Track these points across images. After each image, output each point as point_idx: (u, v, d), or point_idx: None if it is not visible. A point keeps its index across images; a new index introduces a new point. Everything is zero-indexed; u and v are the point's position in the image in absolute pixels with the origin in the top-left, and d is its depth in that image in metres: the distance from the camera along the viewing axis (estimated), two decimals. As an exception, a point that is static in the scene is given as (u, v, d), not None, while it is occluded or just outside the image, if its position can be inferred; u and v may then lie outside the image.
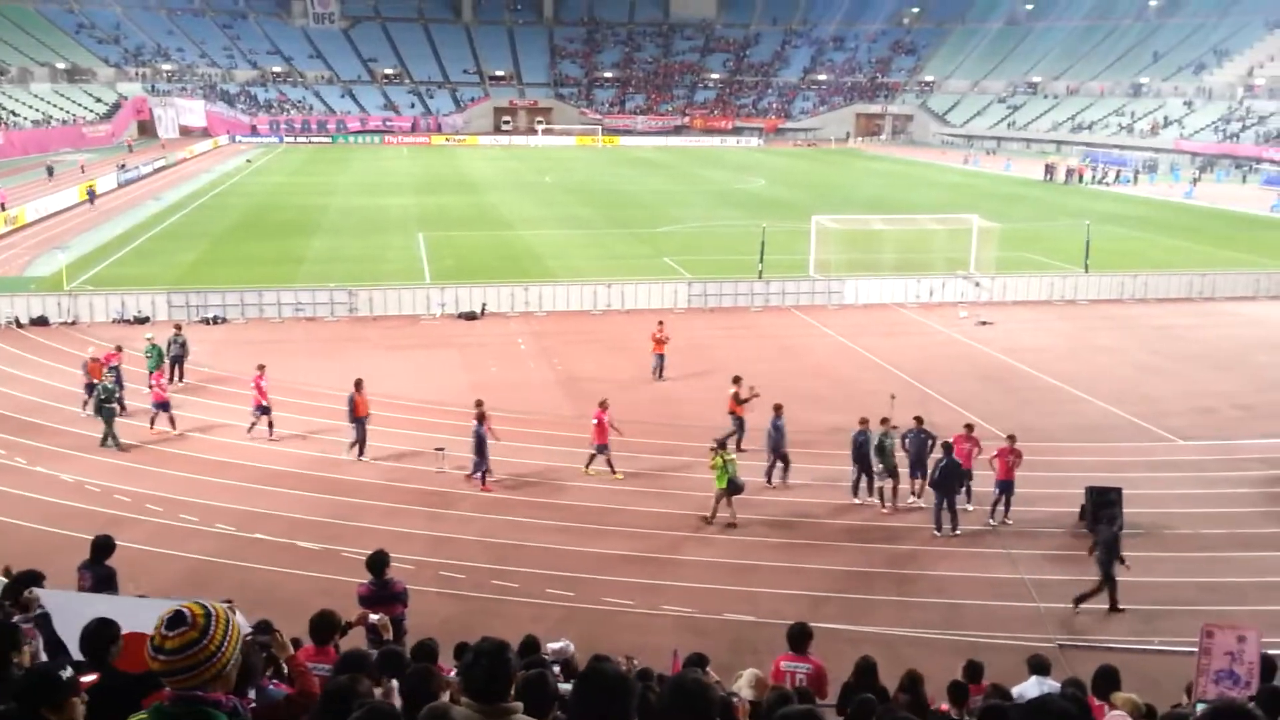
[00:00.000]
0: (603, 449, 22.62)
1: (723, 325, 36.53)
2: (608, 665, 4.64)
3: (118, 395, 24.63)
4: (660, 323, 30.84)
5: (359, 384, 23.61)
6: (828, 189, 77.84)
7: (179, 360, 28.70)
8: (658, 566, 18.69)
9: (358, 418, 23.35)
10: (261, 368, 24.98)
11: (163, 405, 24.95)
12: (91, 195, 66.25)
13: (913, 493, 21.54)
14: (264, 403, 24.57)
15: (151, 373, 27.78)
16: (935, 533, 20.02)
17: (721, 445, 20.85)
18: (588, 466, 22.84)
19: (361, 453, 23.41)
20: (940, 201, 66.35)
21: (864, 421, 21.67)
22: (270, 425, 24.65)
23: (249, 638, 5.29)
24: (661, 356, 30.21)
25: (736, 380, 24.61)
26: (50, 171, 75.35)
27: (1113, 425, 26.54)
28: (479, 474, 21.99)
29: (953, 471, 19.96)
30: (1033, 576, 18.28)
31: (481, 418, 21.91)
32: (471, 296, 37.83)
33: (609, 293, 38.80)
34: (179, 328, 29.68)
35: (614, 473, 22.60)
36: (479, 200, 69.09)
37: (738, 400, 24.32)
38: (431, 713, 5.17)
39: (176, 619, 3.93)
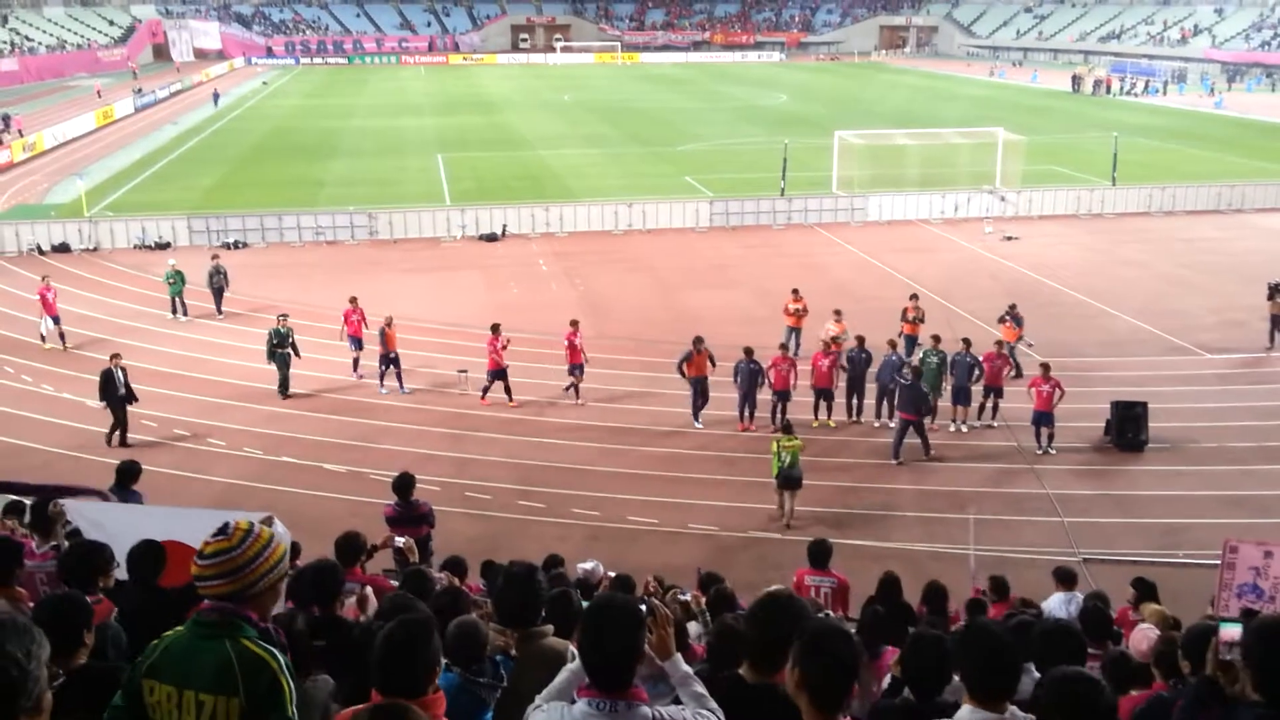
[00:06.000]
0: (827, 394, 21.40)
1: (745, 243, 36.24)
2: (618, 596, 4.59)
3: (291, 340, 22.79)
4: (795, 291, 25.43)
5: (699, 342, 21.27)
6: (851, 104, 76.64)
7: (220, 292, 28.30)
8: (683, 485, 18.78)
9: (695, 378, 21.18)
10: (575, 323, 22.59)
11: (499, 374, 22.27)
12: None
13: (954, 420, 21.15)
14: (581, 361, 22.44)
15: (174, 298, 27.81)
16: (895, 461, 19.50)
17: (785, 429, 18.47)
18: (818, 418, 21.47)
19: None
20: (965, 115, 65.23)
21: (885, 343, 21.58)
22: (576, 388, 22.65)
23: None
24: (795, 330, 24.88)
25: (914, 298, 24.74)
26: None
27: (1140, 340, 26.33)
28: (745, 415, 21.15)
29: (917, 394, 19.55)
30: (1057, 491, 18.28)
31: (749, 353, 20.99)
32: (492, 218, 37.64)
33: (630, 212, 38.52)
34: (217, 257, 29.51)
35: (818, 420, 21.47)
36: (498, 120, 68.46)
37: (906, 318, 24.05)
38: (461, 627, 5.20)
39: (222, 529, 4.02)
